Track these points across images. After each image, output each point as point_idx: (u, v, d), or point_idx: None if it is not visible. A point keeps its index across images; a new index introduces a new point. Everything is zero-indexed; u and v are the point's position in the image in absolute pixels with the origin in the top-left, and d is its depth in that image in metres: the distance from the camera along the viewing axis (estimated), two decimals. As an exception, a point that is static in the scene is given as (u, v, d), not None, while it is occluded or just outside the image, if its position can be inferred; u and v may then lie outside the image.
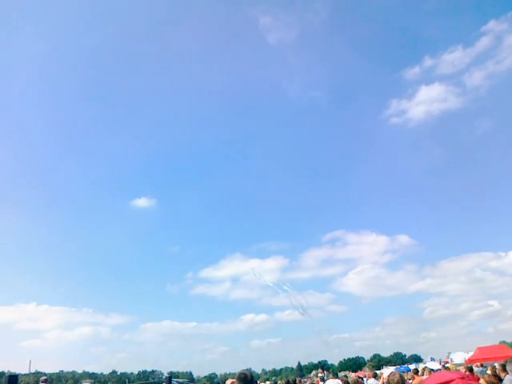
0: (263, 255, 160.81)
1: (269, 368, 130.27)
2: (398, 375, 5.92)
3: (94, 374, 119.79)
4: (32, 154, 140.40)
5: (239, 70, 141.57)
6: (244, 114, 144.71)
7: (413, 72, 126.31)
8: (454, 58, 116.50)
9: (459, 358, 43.95)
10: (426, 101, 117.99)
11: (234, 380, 4.39)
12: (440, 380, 1.08)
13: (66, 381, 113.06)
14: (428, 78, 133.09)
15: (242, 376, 4.33)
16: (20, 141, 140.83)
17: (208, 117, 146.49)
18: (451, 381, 1.06)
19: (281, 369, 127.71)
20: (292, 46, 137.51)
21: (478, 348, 33.35)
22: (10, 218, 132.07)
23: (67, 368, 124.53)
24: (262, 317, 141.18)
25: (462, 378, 1.05)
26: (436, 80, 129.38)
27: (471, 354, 36.22)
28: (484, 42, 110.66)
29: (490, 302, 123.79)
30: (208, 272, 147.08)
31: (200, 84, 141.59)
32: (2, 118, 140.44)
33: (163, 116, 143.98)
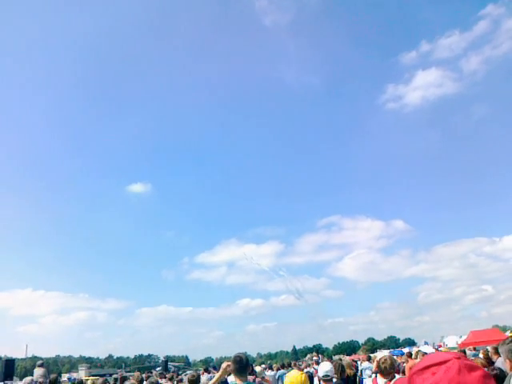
0: (259, 240, 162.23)
1: (264, 352, 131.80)
2: (388, 360, 5.98)
3: (90, 358, 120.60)
4: (29, 141, 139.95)
5: (235, 54, 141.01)
6: (239, 98, 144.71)
7: (409, 57, 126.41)
8: (450, 42, 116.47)
9: (452, 341, 44.39)
10: (423, 86, 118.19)
11: (230, 362, 4.41)
12: (436, 360, 1.07)
13: (63, 365, 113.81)
14: (425, 63, 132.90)
15: (238, 359, 4.35)
16: (18, 128, 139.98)
17: (203, 102, 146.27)
18: (447, 361, 1.05)
19: (276, 353, 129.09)
20: (288, 29, 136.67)
21: (471, 332, 33.65)
22: (5, 204, 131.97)
23: (64, 353, 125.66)
24: (258, 301, 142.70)
25: (458, 358, 1.04)
26: (433, 65, 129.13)
27: (464, 337, 36.58)
28: (481, 27, 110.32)
29: (484, 287, 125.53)
30: (204, 257, 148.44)
31: (196, 68, 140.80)
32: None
33: (158, 102, 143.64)
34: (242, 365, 4.36)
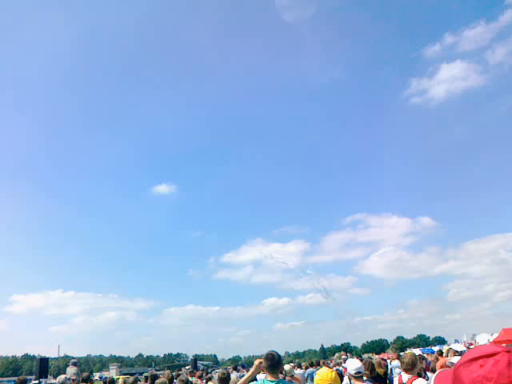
0: (284, 239, 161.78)
1: (292, 351, 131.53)
2: (409, 355, 5.98)
3: (120, 357, 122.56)
4: (57, 145, 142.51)
5: (257, 51, 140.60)
6: (263, 97, 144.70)
7: (433, 49, 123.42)
8: (475, 33, 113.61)
9: (483, 339, 43.31)
10: (448, 79, 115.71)
11: (262, 360, 4.44)
12: (484, 352, 1.04)
13: (94, 364, 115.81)
14: (449, 56, 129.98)
15: (270, 356, 4.38)
16: (43, 131, 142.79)
17: (226, 102, 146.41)
18: (496, 353, 1.02)
19: (304, 351, 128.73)
20: (309, 24, 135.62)
21: (503, 329, 32.86)
22: (37, 206, 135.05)
23: (94, 352, 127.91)
24: (285, 300, 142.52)
25: (508, 352, 1.01)
26: (457, 57, 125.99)
27: (496, 335, 35.75)
28: (508, 16, 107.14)
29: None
30: (230, 257, 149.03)
31: (218, 68, 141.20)
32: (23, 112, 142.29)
33: (183, 102, 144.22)
34: (274, 362, 4.39)
